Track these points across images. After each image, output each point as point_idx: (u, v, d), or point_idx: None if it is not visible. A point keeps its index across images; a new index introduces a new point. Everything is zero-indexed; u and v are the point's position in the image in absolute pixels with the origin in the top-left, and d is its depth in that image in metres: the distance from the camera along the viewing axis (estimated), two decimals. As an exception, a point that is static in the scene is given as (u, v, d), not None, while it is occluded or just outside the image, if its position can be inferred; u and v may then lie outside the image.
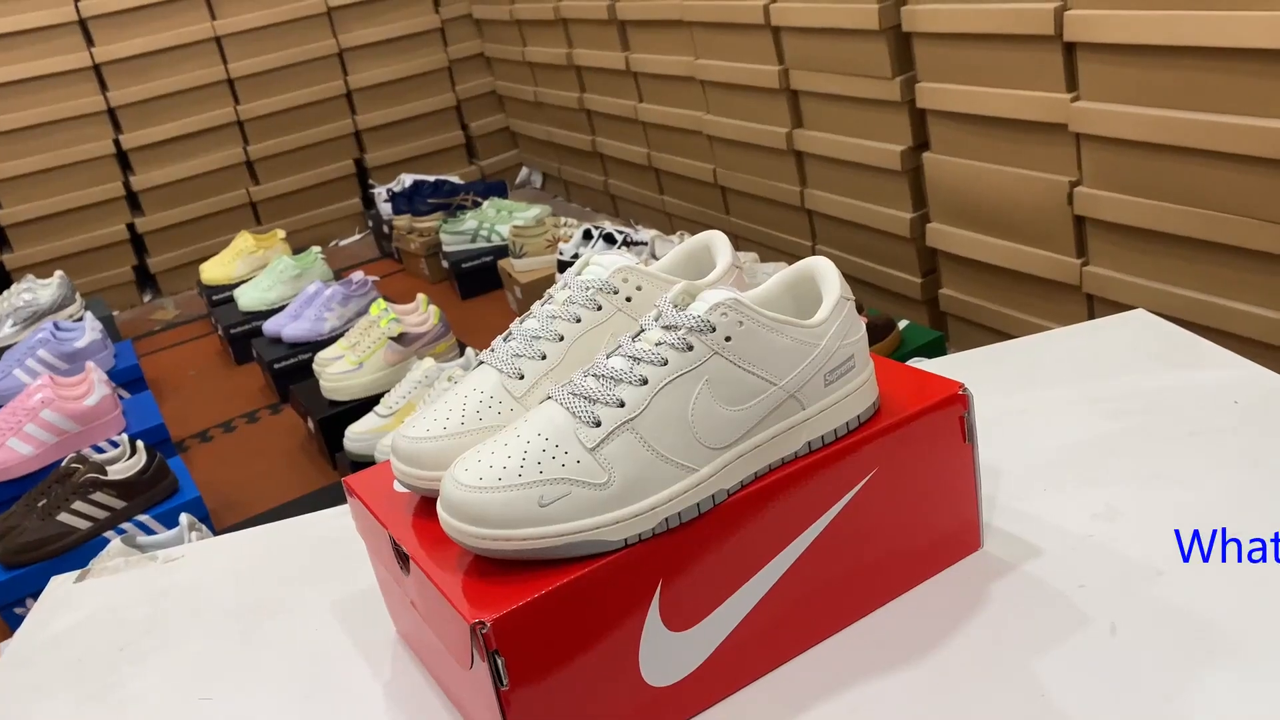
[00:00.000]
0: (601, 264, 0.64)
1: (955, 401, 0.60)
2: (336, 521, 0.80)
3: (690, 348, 0.53)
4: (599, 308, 0.61)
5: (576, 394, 0.53)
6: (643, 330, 0.55)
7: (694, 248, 0.66)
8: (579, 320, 0.60)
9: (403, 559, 0.56)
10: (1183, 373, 0.79)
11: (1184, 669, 0.52)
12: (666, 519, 0.52)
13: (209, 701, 0.64)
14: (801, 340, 0.55)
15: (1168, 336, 0.85)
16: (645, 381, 0.53)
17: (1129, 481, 0.67)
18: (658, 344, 0.53)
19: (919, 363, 0.81)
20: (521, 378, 0.59)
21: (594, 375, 0.54)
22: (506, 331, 0.62)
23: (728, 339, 0.53)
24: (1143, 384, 0.78)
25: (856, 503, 0.58)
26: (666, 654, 0.54)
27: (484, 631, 0.48)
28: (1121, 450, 0.71)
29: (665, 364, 0.53)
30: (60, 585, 0.81)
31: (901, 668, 0.56)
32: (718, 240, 0.66)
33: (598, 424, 0.52)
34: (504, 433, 0.54)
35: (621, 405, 0.52)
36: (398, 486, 0.60)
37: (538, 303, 0.63)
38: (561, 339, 0.60)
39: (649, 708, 0.54)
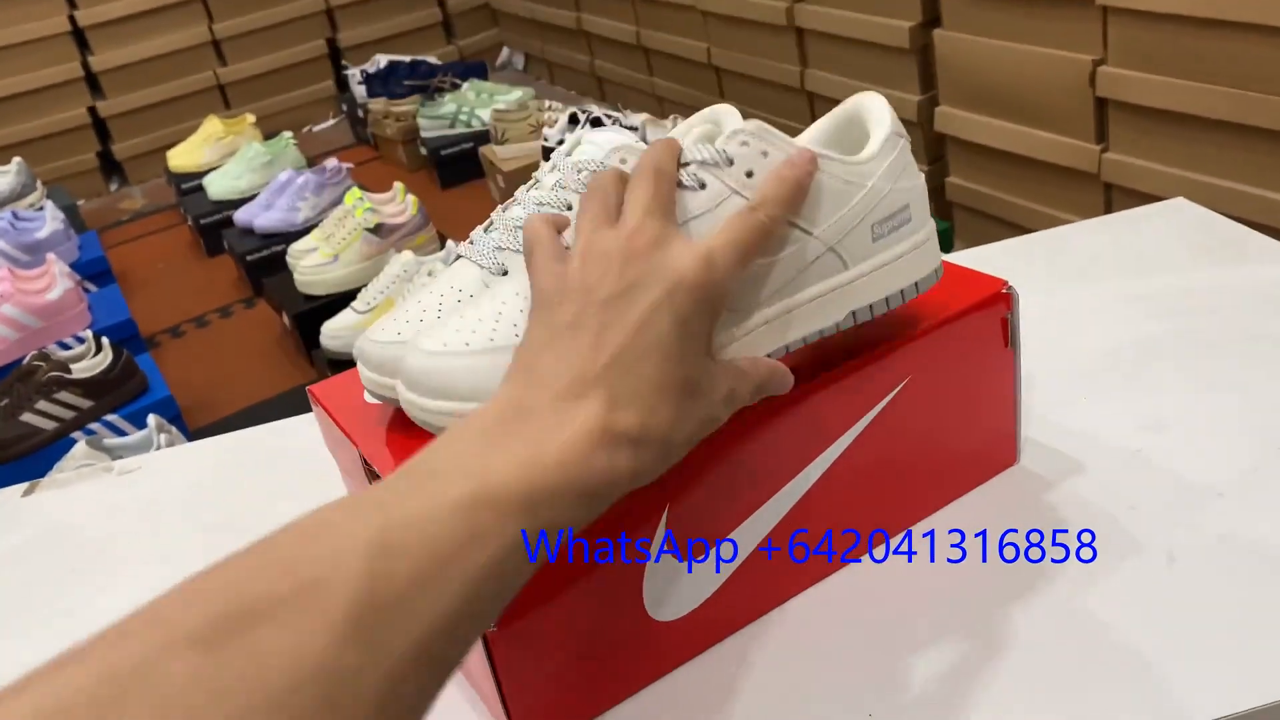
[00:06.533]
0: (595, 143, 0.56)
1: (998, 301, 0.53)
2: (307, 429, 0.73)
3: (704, 185, 0.43)
4: (593, 193, 0.53)
5: None
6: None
7: (699, 121, 0.58)
8: (570, 207, 0.52)
9: (375, 479, 0.49)
10: (1232, 269, 0.72)
11: (1254, 604, 0.47)
12: None
13: (168, 629, 0.59)
14: (843, 179, 0.46)
15: (1212, 228, 0.78)
16: None
17: (1180, 390, 0.61)
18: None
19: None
20: (505, 273, 0.51)
21: None
22: (488, 221, 0.54)
23: (749, 174, 0.44)
24: (1189, 281, 0.72)
25: (885, 414, 0.51)
26: (673, 585, 0.48)
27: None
28: (1170, 355, 0.64)
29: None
30: (5, 499, 0.75)
31: (929, 598, 0.50)
32: (724, 113, 0.57)
33: None
34: (482, 296, 0.47)
35: None
36: (368, 397, 0.53)
37: (523, 187, 0.55)
38: (551, 229, 0.52)
39: (653, 645, 0.49)
